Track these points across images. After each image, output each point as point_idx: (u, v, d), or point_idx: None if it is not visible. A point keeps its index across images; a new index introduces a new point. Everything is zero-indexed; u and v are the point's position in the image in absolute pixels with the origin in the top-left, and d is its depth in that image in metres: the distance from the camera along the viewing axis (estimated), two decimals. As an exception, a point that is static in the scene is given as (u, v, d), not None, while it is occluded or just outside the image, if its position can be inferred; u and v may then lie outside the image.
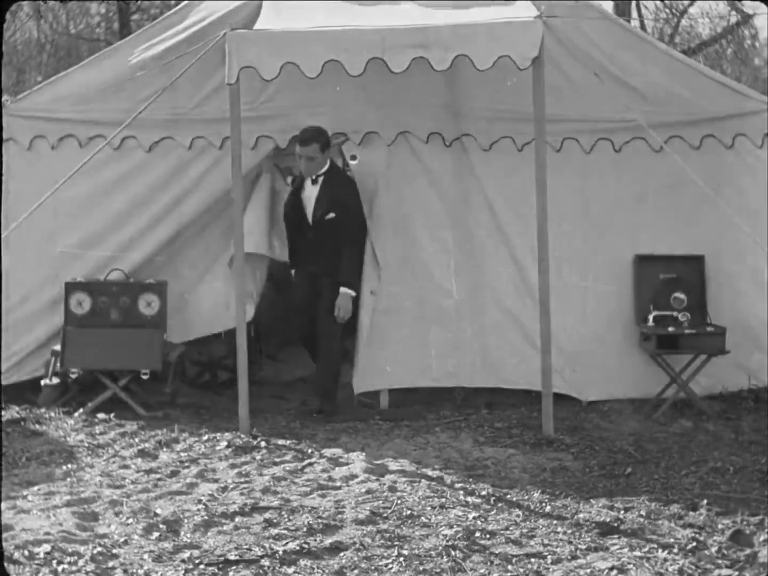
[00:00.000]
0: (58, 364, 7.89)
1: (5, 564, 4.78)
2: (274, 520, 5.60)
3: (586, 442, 7.07)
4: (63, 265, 8.09)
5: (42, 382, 7.96)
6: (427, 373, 8.08)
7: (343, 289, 7.70)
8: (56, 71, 15.99)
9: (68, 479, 6.30)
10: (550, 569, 4.97)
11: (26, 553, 5.01)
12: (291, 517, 5.66)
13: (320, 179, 7.72)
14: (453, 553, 5.14)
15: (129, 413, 7.74)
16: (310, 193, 7.75)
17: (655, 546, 5.23)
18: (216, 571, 4.91)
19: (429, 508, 5.80)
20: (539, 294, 7.31)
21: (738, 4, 20.10)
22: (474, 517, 5.68)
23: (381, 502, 5.87)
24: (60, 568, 4.87)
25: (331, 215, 7.68)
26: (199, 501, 5.87)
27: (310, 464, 6.68)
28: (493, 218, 8.12)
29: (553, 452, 6.93)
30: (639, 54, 8.01)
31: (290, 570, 4.93)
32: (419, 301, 8.07)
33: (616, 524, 5.54)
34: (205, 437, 7.20)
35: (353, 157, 8.04)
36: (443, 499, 5.97)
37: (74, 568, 4.89)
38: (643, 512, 5.71)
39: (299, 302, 7.98)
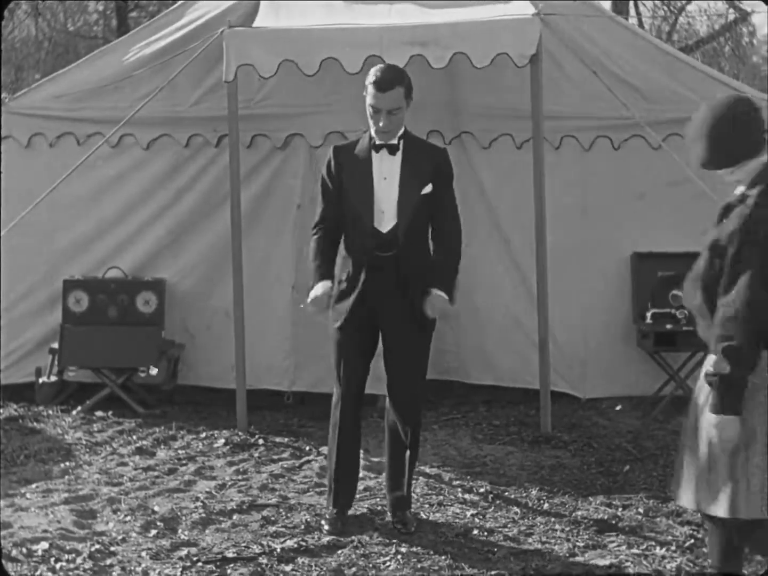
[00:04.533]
0: (56, 362, 7.90)
1: (3, 562, 4.79)
2: (272, 518, 5.61)
3: (584, 440, 7.07)
4: (61, 263, 8.08)
5: (40, 380, 7.96)
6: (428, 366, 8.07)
7: (437, 292, 5.27)
8: (54, 69, 16.00)
9: (66, 477, 6.31)
10: (548, 567, 4.97)
11: (24, 550, 5.02)
12: (289, 515, 5.67)
13: (401, 144, 5.30)
14: (451, 550, 5.15)
15: (127, 411, 7.74)
16: (388, 167, 5.31)
17: (653, 543, 5.24)
18: (214, 568, 4.91)
19: (427, 506, 5.81)
20: (537, 291, 7.32)
21: (736, 1, 20.11)
22: (472, 515, 5.69)
23: (378, 499, 5.87)
24: (58, 566, 4.88)
25: (428, 189, 5.30)
26: (197, 498, 5.88)
27: (308, 462, 6.70)
28: (492, 215, 8.12)
29: (551, 450, 6.93)
30: (637, 52, 8.01)
31: (288, 568, 4.93)
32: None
33: (614, 522, 5.55)
34: (203, 435, 7.20)
35: None
36: (441, 497, 5.98)
37: (72, 565, 4.90)
38: (641, 510, 5.72)
39: (352, 380, 5.46)
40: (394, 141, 5.30)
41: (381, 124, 5.21)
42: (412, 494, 5.81)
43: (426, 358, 5.56)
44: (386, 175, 5.30)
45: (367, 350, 5.48)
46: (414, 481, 6.03)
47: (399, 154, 5.30)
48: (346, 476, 5.53)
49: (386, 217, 5.30)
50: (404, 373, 5.45)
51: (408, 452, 5.52)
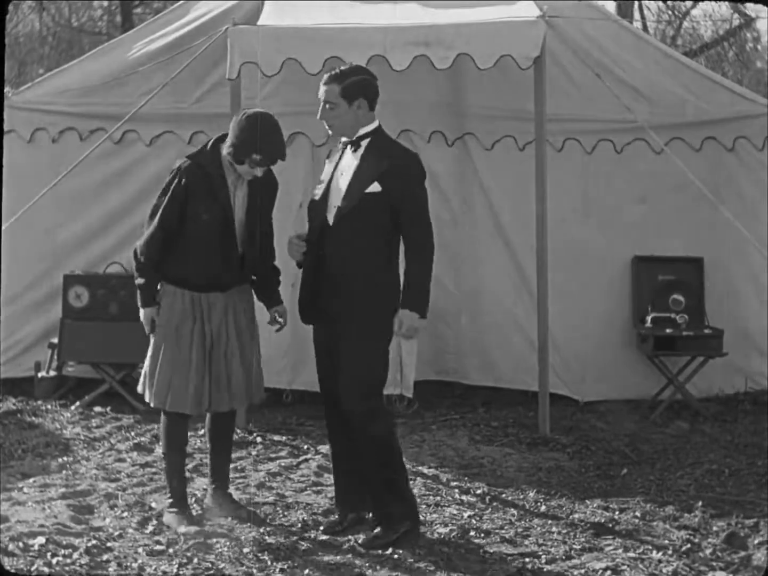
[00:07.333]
0: (56, 357, 7.90)
1: (0, 556, 4.79)
2: (269, 516, 5.60)
3: (582, 443, 7.07)
4: (62, 258, 8.09)
5: (39, 374, 7.96)
6: (428, 367, 8.08)
7: (406, 311, 5.11)
8: (58, 64, 15.97)
9: (64, 472, 6.31)
10: (545, 569, 4.97)
11: (21, 545, 5.01)
12: (286, 513, 5.67)
13: (363, 143, 5.26)
14: (447, 551, 5.15)
15: (125, 407, 7.74)
16: (347, 163, 5.28)
17: (650, 547, 5.23)
18: (209, 566, 4.91)
19: (424, 506, 5.79)
20: (537, 294, 7.32)
21: (740, 6, 20.09)
22: (469, 516, 5.68)
23: (376, 499, 5.86)
24: (54, 561, 4.87)
25: (375, 188, 5.15)
26: (194, 495, 5.87)
27: (306, 460, 6.69)
28: (494, 217, 8.13)
29: (549, 452, 6.93)
30: (641, 55, 8.01)
31: (284, 566, 4.92)
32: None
33: (610, 525, 5.55)
34: (201, 431, 7.16)
35: None
36: (438, 498, 5.97)
37: (69, 560, 4.89)
38: (638, 513, 5.71)
39: (322, 380, 5.40)
40: (353, 138, 5.26)
41: (318, 113, 5.29)
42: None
43: (370, 365, 5.17)
44: (344, 171, 5.27)
45: (332, 348, 5.28)
46: (411, 481, 5.98)
47: (360, 152, 5.25)
48: (341, 478, 5.47)
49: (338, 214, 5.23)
50: (342, 379, 5.17)
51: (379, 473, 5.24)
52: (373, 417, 5.15)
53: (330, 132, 5.36)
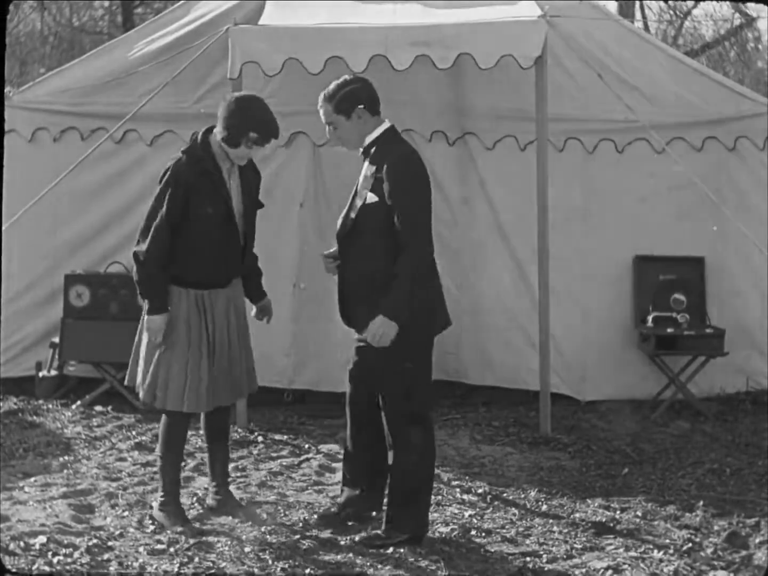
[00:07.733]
0: (57, 356, 7.91)
1: (1, 555, 4.79)
2: (270, 515, 5.60)
3: (584, 442, 7.07)
4: (63, 257, 8.09)
5: (40, 374, 7.96)
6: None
7: (382, 318, 4.99)
8: (59, 64, 15.98)
9: (65, 471, 6.31)
10: (546, 568, 4.97)
11: (22, 544, 5.01)
12: (287, 512, 5.67)
13: (371, 151, 5.21)
14: (448, 550, 5.15)
15: (126, 406, 7.73)
16: (362, 175, 5.26)
17: (651, 546, 5.24)
18: (211, 565, 4.91)
19: (425, 506, 5.80)
20: (539, 293, 7.32)
21: (741, 6, 20.10)
22: (470, 515, 5.69)
23: (377, 498, 5.86)
24: (55, 560, 4.87)
25: (372, 198, 5.09)
26: (195, 495, 5.88)
27: (307, 459, 6.70)
28: (495, 217, 8.12)
29: (550, 451, 6.93)
30: (642, 55, 8.01)
31: (285, 565, 4.93)
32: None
33: (612, 524, 5.55)
34: (202, 431, 7.18)
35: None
36: (439, 497, 5.97)
37: (69, 560, 4.89)
38: (639, 513, 5.72)
39: (363, 377, 5.39)
40: (361, 149, 5.25)
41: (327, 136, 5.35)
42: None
43: (389, 375, 5.16)
44: (359, 182, 5.25)
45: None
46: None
47: (368, 158, 5.22)
48: (350, 470, 5.50)
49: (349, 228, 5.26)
50: (370, 384, 5.30)
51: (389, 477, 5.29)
52: (413, 421, 5.15)
53: (348, 150, 5.34)
